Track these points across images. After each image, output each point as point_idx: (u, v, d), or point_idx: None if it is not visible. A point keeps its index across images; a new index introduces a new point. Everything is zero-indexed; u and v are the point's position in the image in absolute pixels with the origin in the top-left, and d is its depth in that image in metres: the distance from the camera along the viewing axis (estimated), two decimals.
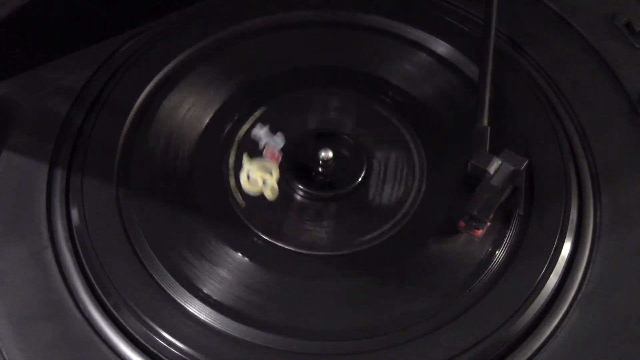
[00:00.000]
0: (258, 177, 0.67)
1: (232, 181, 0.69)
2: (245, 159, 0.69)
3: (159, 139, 0.71)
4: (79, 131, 0.71)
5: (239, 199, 0.68)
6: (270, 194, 0.67)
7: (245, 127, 0.72)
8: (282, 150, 0.70)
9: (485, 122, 0.68)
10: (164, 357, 0.61)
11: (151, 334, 0.61)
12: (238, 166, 0.70)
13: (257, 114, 0.72)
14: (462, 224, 0.65)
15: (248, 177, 0.68)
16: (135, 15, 0.77)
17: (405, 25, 0.77)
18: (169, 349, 0.61)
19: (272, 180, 0.68)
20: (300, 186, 0.68)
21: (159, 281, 0.63)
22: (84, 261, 0.64)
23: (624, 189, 0.68)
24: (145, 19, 0.77)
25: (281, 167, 0.69)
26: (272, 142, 0.68)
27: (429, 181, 0.69)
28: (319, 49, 0.76)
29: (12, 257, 0.65)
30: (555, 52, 0.76)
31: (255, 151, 0.70)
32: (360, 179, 0.69)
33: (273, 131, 0.70)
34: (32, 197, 0.67)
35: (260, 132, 0.69)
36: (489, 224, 0.65)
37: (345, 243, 0.66)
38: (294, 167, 0.69)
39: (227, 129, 0.72)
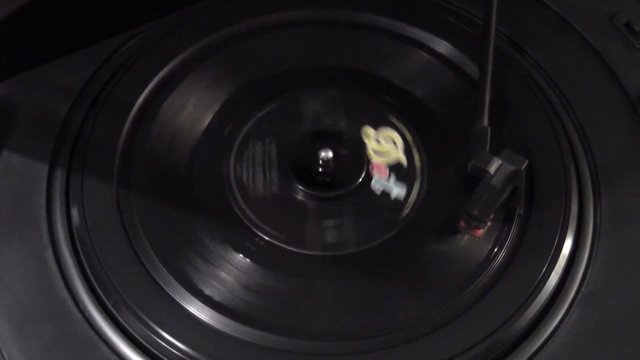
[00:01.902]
0: (389, 139, 0.67)
1: (233, 183, 0.69)
2: (367, 130, 0.69)
3: (159, 139, 0.71)
4: (79, 131, 0.71)
5: (263, 226, 0.67)
6: (402, 156, 0.68)
7: (245, 127, 0.72)
8: (281, 151, 0.70)
9: (486, 122, 0.68)
10: (164, 357, 0.61)
11: (151, 334, 0.61)
12: (238, 166, 0.70)
13: (257, 114, 0.73)
14: (462, 224, 0.65)
15: (378, 142, 0.67)
16: (135, 15, 0.77)
17: (406, 24, 0.77)
18: (169, 349, 0.61)
19: (400, 140, 0.68)
20: (300, 186, 0.68)
21: (159, 281, 0.63)
22: (84, 261, 0.64)
23: (624, 189, 0.68)
24: (145, 19, 0.77)
25: (283, 179, 0.69)
26: (389, 188, 0.68)
27: (429, 181, 0.69)
28: (319, 49, 0.76)
29: (12, 257, 0.65)
30: (555, 52, 0.76)
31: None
32: (360, 179, 0.69)
33: (272, 132, 0.71)
34: (32, 197, 0.67)
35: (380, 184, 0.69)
36: (489, 223, 0.65)
37: (345, 243, 0.66)
38: (294, 167, 0.69)
39: (228, 129, 0.72)
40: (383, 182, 0.67)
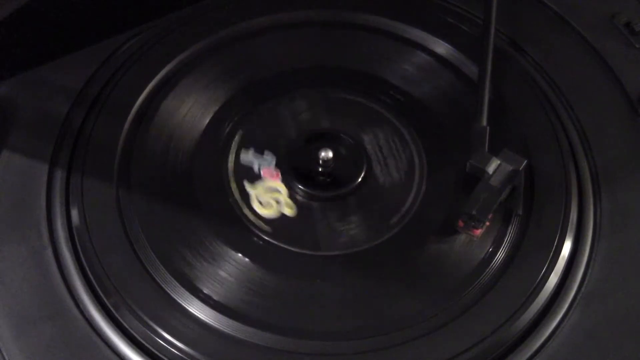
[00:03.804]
0: (269, 199, 0.67)
1: (233, 183, 0.69)
2: (247, 186, 0.68)
3: (159, 139, 0.71)
4: (79, 131, 0.71)
5: (263, 225, 0.67)
6: (289, 210, 0.67)
7: (245, 127, 0.72)
8: (281, 151, 0.70)
9: (485, 122, 0.68)
10: (164, 357, 0.61)
11: (151, 334, 0.61)
12: (238, 166, 0.70)
13: (256, 114, 0.73)
14: (460, 223, 0.65)
15: (260, 203, 0.67)
16: (135, 15, 0.77)
17: (405, 25, 0.77)
18: (169, 349, 0.61)
19: (284, 196, 0.67)
20: (300, 186, 0.68)
21: (159, 281, 0.63)
22: (84, 261, 0.64)
23: (624, 189, 0.68)
24: (145, 19, 0.77)
25: (284, 181, 0.69)
26: (264, 162, 0.68)
27: (429, 181, 0.69)
28: (319, 49, 0.76)
29: (12, 257, 0.65)
30: (555, 52, 0.76)
31: (253, 176, 0.69)
32: (360, 179, 0.69)
33: (272, 132, 0.71)
34: (32, 197, 0.67)
35: (249, 157, 0.68)
36: (488, 223, 0.65)
37: (345, 243, 0.66)
38: (294, 167, 0.69)
39: (227, 129, 0.72)
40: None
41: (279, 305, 0.63)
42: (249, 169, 0.70)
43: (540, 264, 0.63)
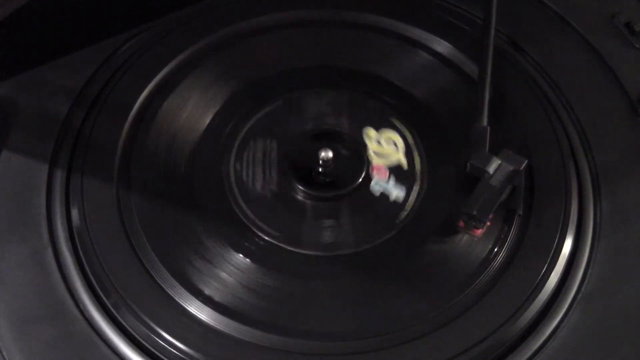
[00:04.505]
0: (390, 140, 0.67)
1: (233, 183, 0.69)
2: (368, 131, 0.69)
3: (159, 139, 0.71)
4: (79, 131, 0.71)
5: (263, 225, 0.67)
6: (402, 158, 0.68)
7: (245, 127, 0.72)
8: (281, 151, 0.70)
9: (485, 121, 0.68)
10: (164, 357, 0.61)
11: (151, 334, 0.61)
12: (238, 166, 0.70)
13: (257, 114, 0.73)
14: (461, 223, 0.65)
15: (379, 143, 0.67)
16: (135, 15, 0.77)
17: (405, 24, 0.77)
18: (169, 349, 0.61)
19: (401, 143, 0.68)
20: (300, 186, 0.68)
21: (159, 281, 0.63)
22: (84, 261, 0.64)
23: (624, 189, 0.68)
24: (145, 19, 0.77)
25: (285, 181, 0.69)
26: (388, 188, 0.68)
27: (428, 181, 0.69)
28: (319, 49, 0.76)
29: (12, 257, 0.65)
30: (555, 52, 0.76)
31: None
32: (360, 179, 0.69)
33: (272, 132, 0.71)
34: (32, 197, 0.67)
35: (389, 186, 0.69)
36: (488, 223, 0.65)
37: (345, 243, 0.66)
38: (294, 167, 0.69)
39: (228, 129, 0.72)
40: (382, 184, 0.67)
41: (279, 305, 0.63)
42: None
43: (540, 264, 0.63)
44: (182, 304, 0.62)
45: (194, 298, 0.62)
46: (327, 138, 0.71)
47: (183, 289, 0.63)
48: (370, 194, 0.69)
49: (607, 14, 0.77)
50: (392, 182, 0.68)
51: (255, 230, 0.67)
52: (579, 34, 0.77)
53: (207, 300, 0.63)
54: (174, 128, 0.72)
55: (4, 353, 0.61)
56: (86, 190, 0.67)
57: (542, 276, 0.63)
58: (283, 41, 0.77)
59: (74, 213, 0.66)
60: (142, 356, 0.61)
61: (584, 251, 0.65)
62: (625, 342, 0.62)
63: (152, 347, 0.61)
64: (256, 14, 0.77)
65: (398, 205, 0.68)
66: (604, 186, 0.68)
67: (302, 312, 0.63)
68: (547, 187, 0.67)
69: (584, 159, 0.70)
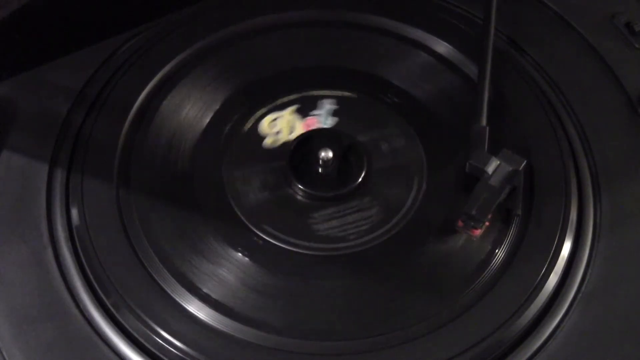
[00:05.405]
0: (280, 125, 0.67)
1: (233, 183, 0.69)
2: (289, 109, 0.69)
3: (159, 139, 0.71)
4: (79, 131, 0.71)
5: (263, 225, 0.67)
6: (270, 141, 0.67)
7: (245, 127, 0.72)
8: (281, 151, 0.70)
9: (484, 121, 0.68)
10: (164, 357, 0.61)
11: (151, 334, 0.61)
12: (238, 166, 0.70)
13: (257, 114, 0.73)
14: (460, 223, 0.65)
15: (274, 120, 0.67)
16: (135, 15, 0.77)
17: (405, 25, 0.77)
18: (169, 349, 0.61)
19: (284, 135, 0.67)
20: (300, 186, 0.68)
21: (158, 281, 0.63)
22: (84, 261, 0.64)
23: (624, 189, 0.68)
24: (145, 19, 0.77)
25: (299, 139, 0.70)
26: (321, 117, 0.67)
27: (429, 181, 0.69)
28: (319, 49, 0.76)
29: (12, 257, 0.65)
30: (555, 52, 0.76)
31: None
32: (360, 179, 0.69)
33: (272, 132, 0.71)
34: (32, 197, 0.67)
35: (326, 106, 0.68)
36: (487, 223, 0.65)
37: (345, 243, 0.66)
38: (294, 167, 0.69)
39: (227, 129, 0.72)
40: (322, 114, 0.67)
41: (279, 305, 0.63)
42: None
43: (540, 264, 0.63)
44: (182, 303, 0.62)
45: (194, 298, 0.62)
46: (326, 138, 0.71)
47: (183, 289, 0.63)
48: (370, 194, 0.69)
49: (607, 14, 0.77)
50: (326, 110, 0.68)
51: (255, 230, 0.67)
52: (579, 34, 0.77)
53: (207, 300, 0.63)
54: (174, 128, 0.72)
55: (4, 353, 0.61)
56: (86, 190, 0.67)
57: (541, 276, 0.63)
58: (283, 41, 0.77)
59: (74, 213, 0.66)
60: (142, 356, 0.61)
61: (583, 251, 0.65)
62: (625, 342, 0.62)
63: (152, 346, 0.61)
64: (256, 14, 0.77)
65: (398, 205, 0.68)
66: (604, 186, 0.68)
67: (301, 311, 0.63)
68: (547, 187, 0.67)
69: (583, 159, 0.70)
